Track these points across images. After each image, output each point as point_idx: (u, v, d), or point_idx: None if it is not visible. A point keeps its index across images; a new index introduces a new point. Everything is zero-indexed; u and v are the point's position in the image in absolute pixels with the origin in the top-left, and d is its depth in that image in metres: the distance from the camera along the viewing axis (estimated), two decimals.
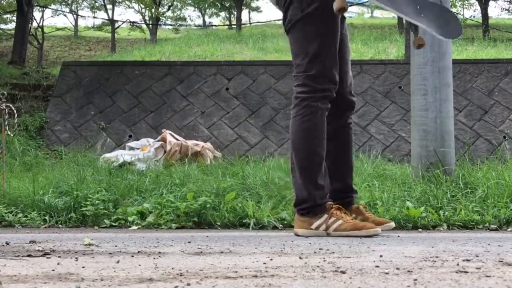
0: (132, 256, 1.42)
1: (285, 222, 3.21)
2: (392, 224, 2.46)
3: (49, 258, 1.39)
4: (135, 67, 8.65)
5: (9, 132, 4.55)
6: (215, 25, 26.92)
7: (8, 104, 4.27)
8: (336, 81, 2.36)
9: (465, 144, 7.02)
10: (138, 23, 22.31)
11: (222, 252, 1.54)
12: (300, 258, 1.36)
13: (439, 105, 4.07)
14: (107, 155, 6.01)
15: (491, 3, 21.39)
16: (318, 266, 1.18)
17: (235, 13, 23.20)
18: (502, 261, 1.25)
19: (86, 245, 1.78)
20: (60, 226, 3.45)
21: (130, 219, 3.36)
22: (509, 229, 3.11)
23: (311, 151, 2.31)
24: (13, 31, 14.49)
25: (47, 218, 3.49)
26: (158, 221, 3.30)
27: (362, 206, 2.53)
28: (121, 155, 5.78)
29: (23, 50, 13.20)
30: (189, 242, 1.92)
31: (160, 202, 3.47)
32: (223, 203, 3.40)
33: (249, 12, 29.35)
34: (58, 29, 21.08)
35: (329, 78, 2.34)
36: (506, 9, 23.15)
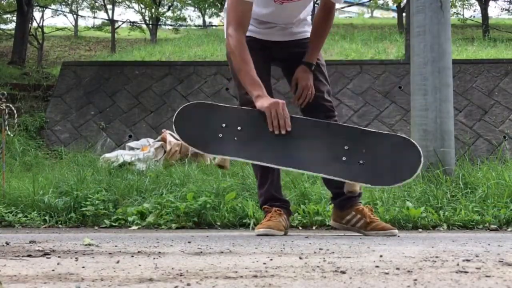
0: (132, 256, 1.42)
1: None
2: (395, 231, 2.44)
3: (49, 258, 1.39)
4: (135, 67, 8.66)
5: (9, 132, 4.55)
6: (215, 25, 26.91)
7: (8, 104, 4.27)
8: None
9: (465, 144, 7.02)
10: (138, 23, 22.31)
11: (222, 252, 1.53)
12: (300, 258, 1.36)
13: (439, 105, 4.07)
14: (107, 155, 6.00)
15: (491, 3, 21.39)
16: (318, 266, 1.18)
17: None
18: (502, 261, 1.25)
19: (86, 245, 1.78)
20: (60, 226, 3.45)
21: (130, 219, 3.36)
22: (509, 229, 3.11)
23: (254, 168, 2.59)
24: (13, 31, 14.49)
25: (47, 218, 3.49)
26: (158, 221, 3.30)
27: (368, 208, 2.51)
28: (121, 155, 5.77)
29: (23, 50, 13.19)
30: (189, 242, 1.92)
31: (160, 202, 3.47)
32: (223, 203, 3.40)
33: None
34: (58, 29, 21.08)
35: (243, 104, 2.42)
36: (506, 9, 23.14)
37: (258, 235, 2.37)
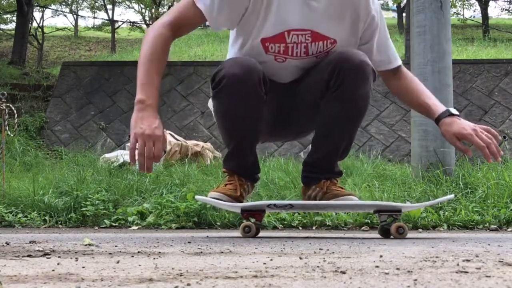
0: (132, 256, 1.42)
1: (285, 222, 3.21)
2: (352, 197, 2.14)
3: (49, 258, 1.39)
4: (135, 67, 8.63)
5: (9, 132, 4.55)
6: None
7: (8, 104, 4.27)
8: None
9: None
10: (138, 23, 22.32)
11: (222, 252, 1.53)
12: (300, 258, 1.36)
13: None
14: (107, 155, 6.01)
15: (491, 3, 21.42)
16: (318, 266, 1.18)
17: None
18: (502, 261, 1.24)
19: (86, 245, 1.78)
20: (60, 226, 3.45)
21: (130, 219, 3.36)
22: (509, 229, 3.11)
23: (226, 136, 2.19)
24: (13, 31, 14.50)
25: (47, 218, 3.49)
26: (158, 221, 3.30)
27: (331, 182, 2.21)
28: (121, 155, 5.77)
29: (23, 50, 13.21)
30: (189, 242, 1.92)
31: (160, 202, 3.47)
32: None
33: None
34: (58, 29, 21.10)
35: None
36: (506, 9, 23.16)
37: (212, 197, 2.11)
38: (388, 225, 2.12)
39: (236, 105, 1.97)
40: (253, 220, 2.15)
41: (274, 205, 2.17)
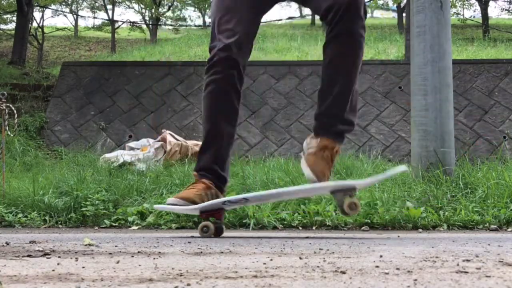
0: (132, 256, 1.42)
1: (285, 222, 3.21)
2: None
3: (49, 258, 1.39)
4: (135, 67, 8.65)
5: (9, 132, 4.55)
6: None
7: (8, 104, 4.27)
8: (226, 44, 2.21)
9: (465, 144, 7.02)
10: (138, 23, 22.32)
11: (222, 252, 1.53)
12: (300, 258, 1.36)
13: (439, 105, 4.07)
14: (107, 155, 6.01)
15: (491, 3, 21.41)
16: (318, 266, 1.18)
17: None
18: (502, 261, 1.24)
19: (86, 245, 1.78)
20: (60, 226, 3.45)
21: (130, 219, 3.36)
22: (509, 229, 3.11)
23: (203, 126, 2.32)
24: (13, 31, 14.50)
25: (47, 218, 3.49)
26: (158, 221, 3.30)
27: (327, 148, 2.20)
28: (121, 155, 5.77)
29: (23, 50, 13.20)
30: (189, 242, 1.92)
31: (160, 202, 3.47)
32: None
33: None
34: (58, 29, 21.08)
35: (218, 47, 2.22)
36: (506, 9, 23.16)
37: (168, 203, 2.16)
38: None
39: (222, 85, 2.32)
40: (213, 219, 2.15)
41: (229, 201, 2.16)
